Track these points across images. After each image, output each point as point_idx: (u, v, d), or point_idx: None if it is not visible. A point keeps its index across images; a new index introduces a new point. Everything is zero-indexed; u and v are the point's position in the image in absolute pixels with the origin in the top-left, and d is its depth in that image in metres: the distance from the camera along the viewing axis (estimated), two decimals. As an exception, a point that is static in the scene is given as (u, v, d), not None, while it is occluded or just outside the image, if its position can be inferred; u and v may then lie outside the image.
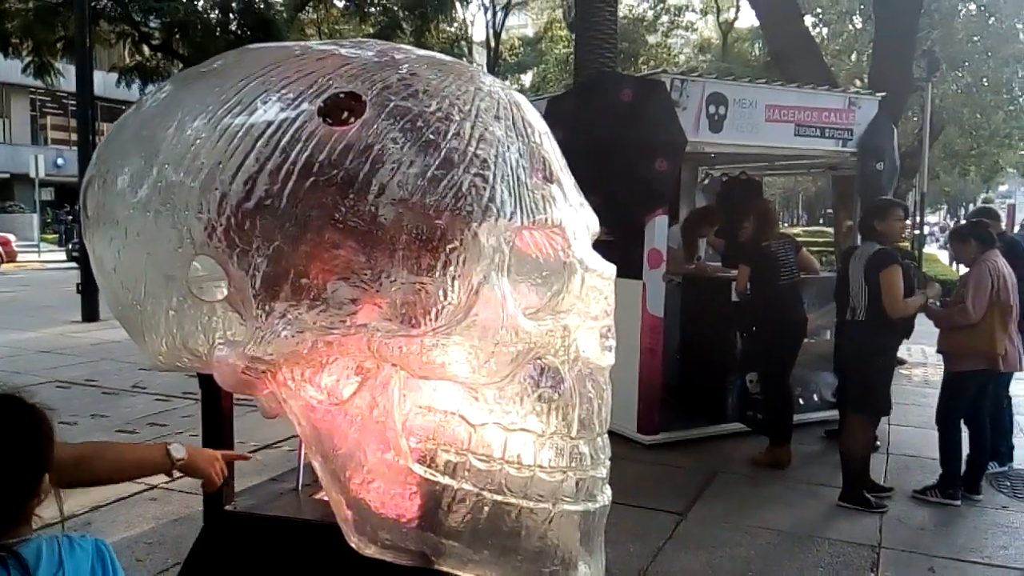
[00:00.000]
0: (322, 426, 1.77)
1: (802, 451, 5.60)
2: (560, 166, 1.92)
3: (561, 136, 2.02)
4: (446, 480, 1.75)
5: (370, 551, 1.80)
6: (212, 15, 16.18)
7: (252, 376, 1.73)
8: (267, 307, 1.67)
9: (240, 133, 1.68)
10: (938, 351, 4.97)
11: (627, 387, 5.49)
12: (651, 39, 33.62)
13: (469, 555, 1.79)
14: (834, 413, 5.85)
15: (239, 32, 15.51)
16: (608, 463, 1.92)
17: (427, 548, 1.79)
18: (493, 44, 33.34)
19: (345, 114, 1.75)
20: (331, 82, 1.75)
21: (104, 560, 1.33)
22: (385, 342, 1.66)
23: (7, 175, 31.99)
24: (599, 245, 2.01)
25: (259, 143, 1.66)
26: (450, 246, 1.63)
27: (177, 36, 15.57)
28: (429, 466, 1.75)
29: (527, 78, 38.17)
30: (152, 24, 16.10)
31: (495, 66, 32.08)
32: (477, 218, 1.65)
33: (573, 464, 1.81)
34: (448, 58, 1.98)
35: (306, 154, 1.64)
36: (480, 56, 34.40)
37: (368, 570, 1.83)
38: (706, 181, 8.34)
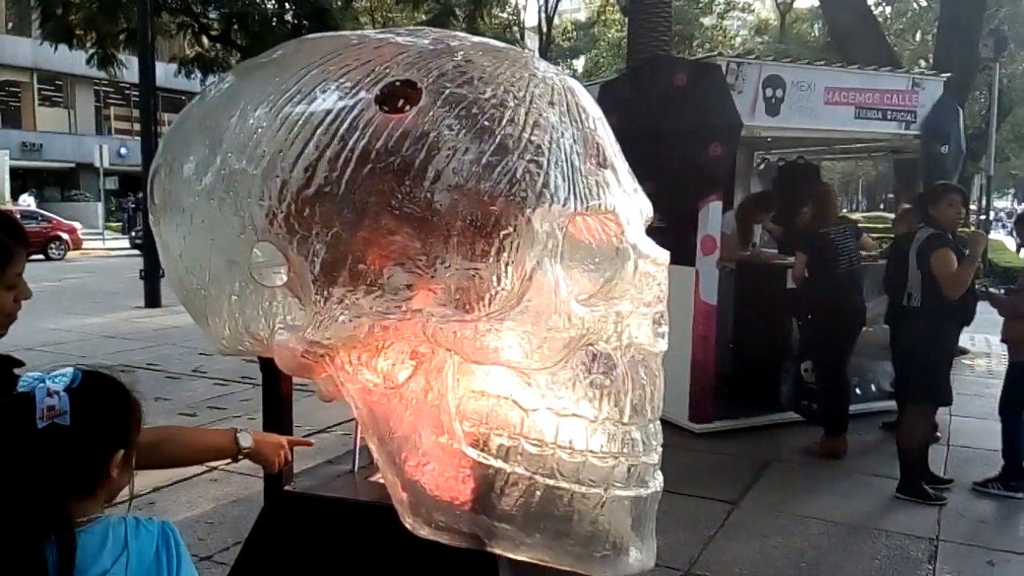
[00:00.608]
0: (378, 409, 1.81)
1: (858, 441, 5.50)
2: (614, 151, 1.91)
3: (614, 121, 2.01)
4: (499, 464, 1.77)
5: (424, 532, 1.83)
6: (269, 5, 16.41)
7: (311, 360, 1.78)
8: (326, 292, 1.71)
9: (300, 121, 1.71)
10: (1002, 340, 4.84)
11: (679, 375, 5.46)
12: (706, 21, 33.13)
13: (521, 538, 1.81)
14: (892, 404, 5.74)
15: (295, 21, 15.72)
16: (660, 450, 1.92)
17: (480, 530, 1.81)
18: (545, 29, 33.21)
19: (401, 102, 1.77)
20: (388, 70, 1.77)
21: (169, 543, 1.35)
22: (440, 327, 1.68)
23: (73, 165, 33.06)
24: (652, 231, 2.00)
25: (318, 131, 1.69)
26: (504, 232, 1.64)
27: (235, 27, 15.84)
28: (482, 450, 1.77)
29: (580, 63, 37.96)
30: (211, 15, 16.43)
31: (547, 51, 31.94)
32: (531, 204, 1.66)
33: (625, 450, 1.81)
34: (502, 44, 1.98)
35: (364, 142, 1.67)
36: (532, 41, 34.28)
37: (422, 551, 1.87)
38: (762, 166, 8.22)
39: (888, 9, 22.33)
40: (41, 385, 1.26)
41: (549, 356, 1.72)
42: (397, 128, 1.68)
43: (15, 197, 27.21)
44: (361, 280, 1.69)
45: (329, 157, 1.68)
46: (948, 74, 6.60)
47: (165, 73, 16.84)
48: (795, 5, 33.03)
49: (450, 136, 1.67)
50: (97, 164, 26.36)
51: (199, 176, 1.85)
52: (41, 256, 20.74)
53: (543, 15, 33.18)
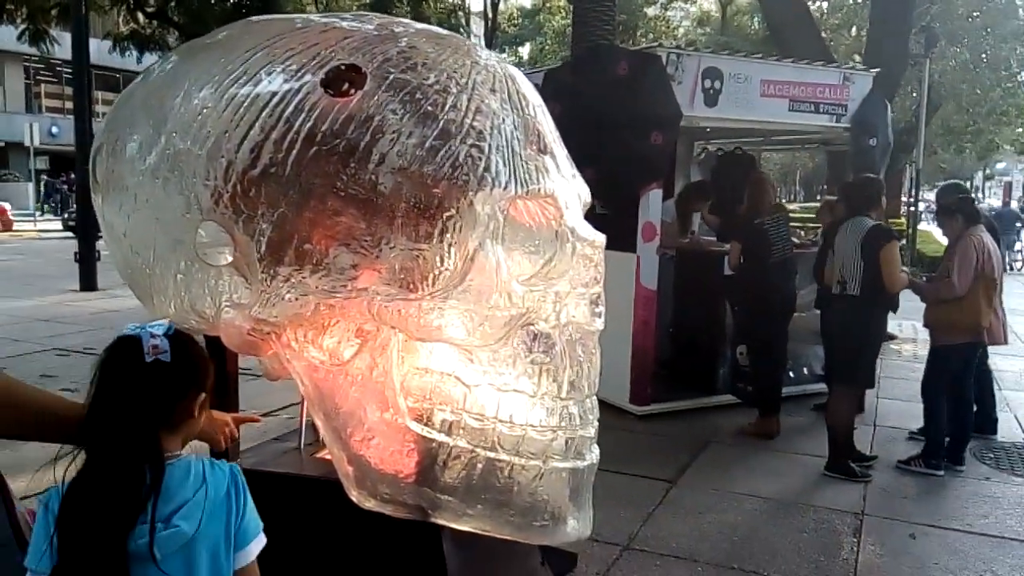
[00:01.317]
0: (324, 386, 1.85)
1: (790, 422, 5.71)
2: (553, 138, 1.98)
3: (558, 109, 2.09)
4: (442, 438, 1.83)
5: (370, 504, 1.89)
6: (207, -18, 16.03)
7: (257, 337, 1.81)
8: (272, 271, 1.74)
9: (246, 103, 1.74)
10: (924, 325, 5.06)
11: (620, 359, 5.58)
12: (650, 11, 33.36)
13: (463, 509, 1.88)
14: (823, 387, 5.96)
15: (235, 0, 15.39)
16: (596, 423, 2.01)
17: (424, 502, 1.88)
18: (491, 15, 33.03)
19: (346, 86, 1.80)
20: (333, 54, 1.80)
21: (237, 483, 1.52)
22: (385, 305, 1.73)
23: (1, 144, 31.83)
24: (595, 218, 2.07)
25: (264, 113, 1.72)
26: (447, 214, 1.70)
27: (172, 3, 15.46)
28: (426, 424, 1.83)
29: (525, 50, 37.92)
30: (147, -9, 16.01)
31: (492, 37, 31.82)
32: (473, 187, 1.72)
33: (563, 424, 1.90)
34: (446, 32, 2.03)
35: (309, 124, 1.70)
36: (478, 27, 34.13)
37: (368, 523, 1.92)
38: (702, 156, 8.39)
39: (824, 4, 22.85)
40: (144, 330, 1.50)
41: (491, 334, 1.79)
42: (342, 111, 1.71)
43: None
44: (307, 260, 1.73)
45: (275, 138, 1.71)
46: (877, 69, 6.83)
47: (99, 50, 16.30)
48: (736, -2, 33.54)
49: (394, 120, 1.72)
50: (27, 143, 25.43)
51: (143, 155, 1.85)
52: (-32, 238, 20.04)
53: (488, 1, 33.03)
